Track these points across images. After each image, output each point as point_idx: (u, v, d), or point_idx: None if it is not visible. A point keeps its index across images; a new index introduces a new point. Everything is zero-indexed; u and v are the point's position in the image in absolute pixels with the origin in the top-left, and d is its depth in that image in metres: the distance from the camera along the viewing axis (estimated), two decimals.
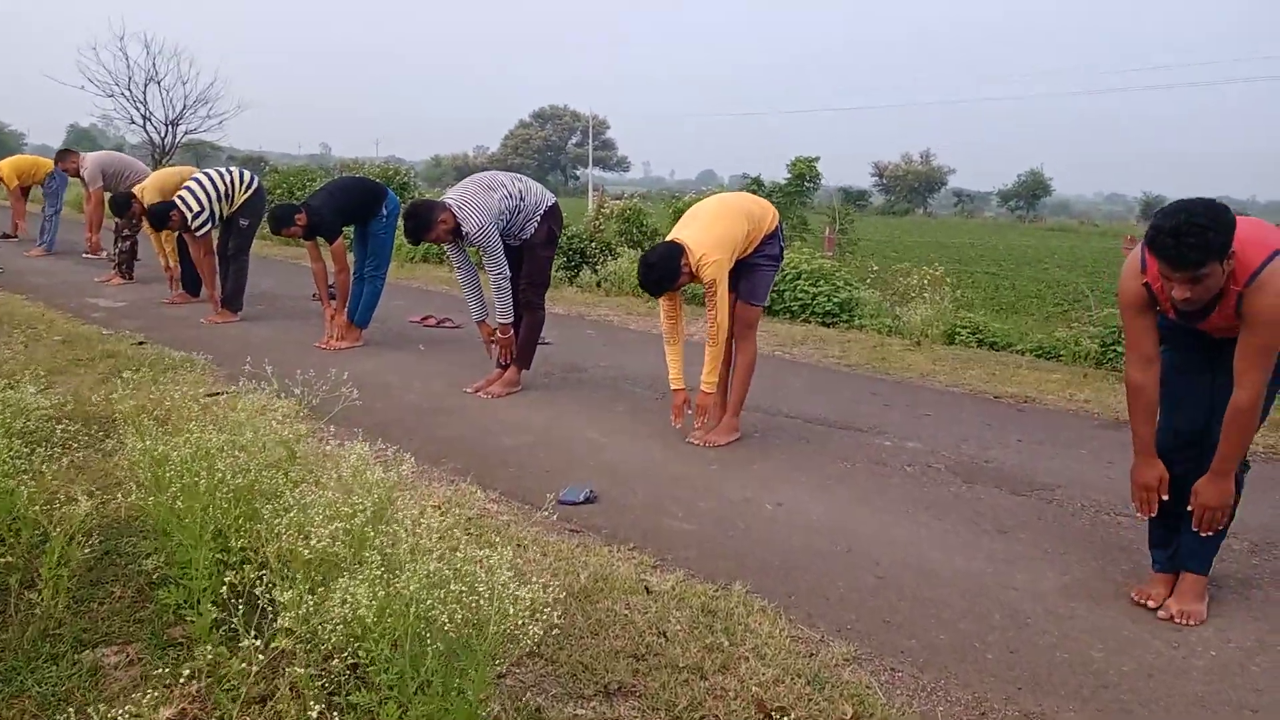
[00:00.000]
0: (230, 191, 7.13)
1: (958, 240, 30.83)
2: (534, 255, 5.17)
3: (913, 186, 73.81)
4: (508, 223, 5.09)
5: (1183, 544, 2.87)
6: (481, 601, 1.81)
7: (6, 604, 2.46)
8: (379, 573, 1.80)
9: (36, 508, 2.44)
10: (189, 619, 2.32)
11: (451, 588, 1.80)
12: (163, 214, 6.93)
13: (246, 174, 7.40)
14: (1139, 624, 2.79)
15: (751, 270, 4.34)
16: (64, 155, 10.00)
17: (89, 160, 9.57)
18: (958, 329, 8.03)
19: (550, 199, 5.26)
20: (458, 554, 1.99)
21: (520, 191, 5.11)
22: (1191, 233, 2.36)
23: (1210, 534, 2.78)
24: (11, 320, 6.35)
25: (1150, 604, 2.86)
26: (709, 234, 4.15)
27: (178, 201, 6.92)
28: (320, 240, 6.36)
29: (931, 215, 66.66)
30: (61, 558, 2.43)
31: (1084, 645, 2.65)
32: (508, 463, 4.05)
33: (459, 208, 4.91)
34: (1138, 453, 2.84)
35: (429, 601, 1.77)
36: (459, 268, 5.27)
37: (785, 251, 4.54)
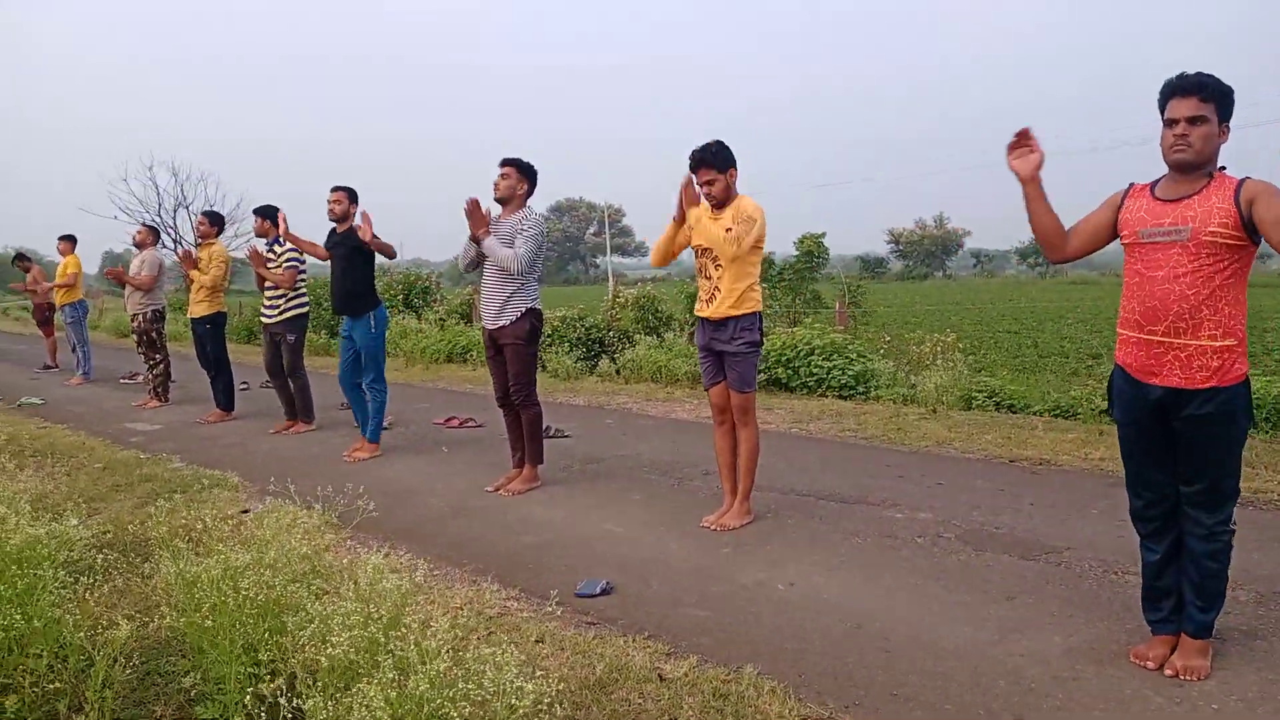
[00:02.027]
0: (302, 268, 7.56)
1: (979, 301, 30.89)
2: (519, 352, 5.34)
3: (930, 250, 74.27)
4: (514, 279, 5.30)
5: (1185, 612, 2.95)
6: (488, 697, 1.94)
7: None
8: (391, 675, 1.94)
9: (81, 634, 2.61)
10: None
11: (459, 686, 1.94)
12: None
13: (303, 287, 7.67)
14: (1142, 682, 2.85)
15: (736, 359, 4.47)
16: (152, 231, 9.89)
17: (155, 255, 9.53)
18: (974, 393, 8.11)
19: (538, 301, 5.45)
20: (468, 654, 2.13)
21: (540, 260, 5.40)
22: (1203, 74, 2.78)
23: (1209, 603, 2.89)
24: (54, 450, 6.63)
25: (1150, 665, 2.92)
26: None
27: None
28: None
29: (951, 278, 66.80)
30: (105, 680, 2.59)
31: (1087, 706, 2.72)
32: (527, 561, 4.19)
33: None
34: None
35: (438, 701, 1.91)
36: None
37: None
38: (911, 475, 5.56)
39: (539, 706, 1.93)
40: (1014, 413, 7.67)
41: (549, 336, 11.51)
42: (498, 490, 5.38)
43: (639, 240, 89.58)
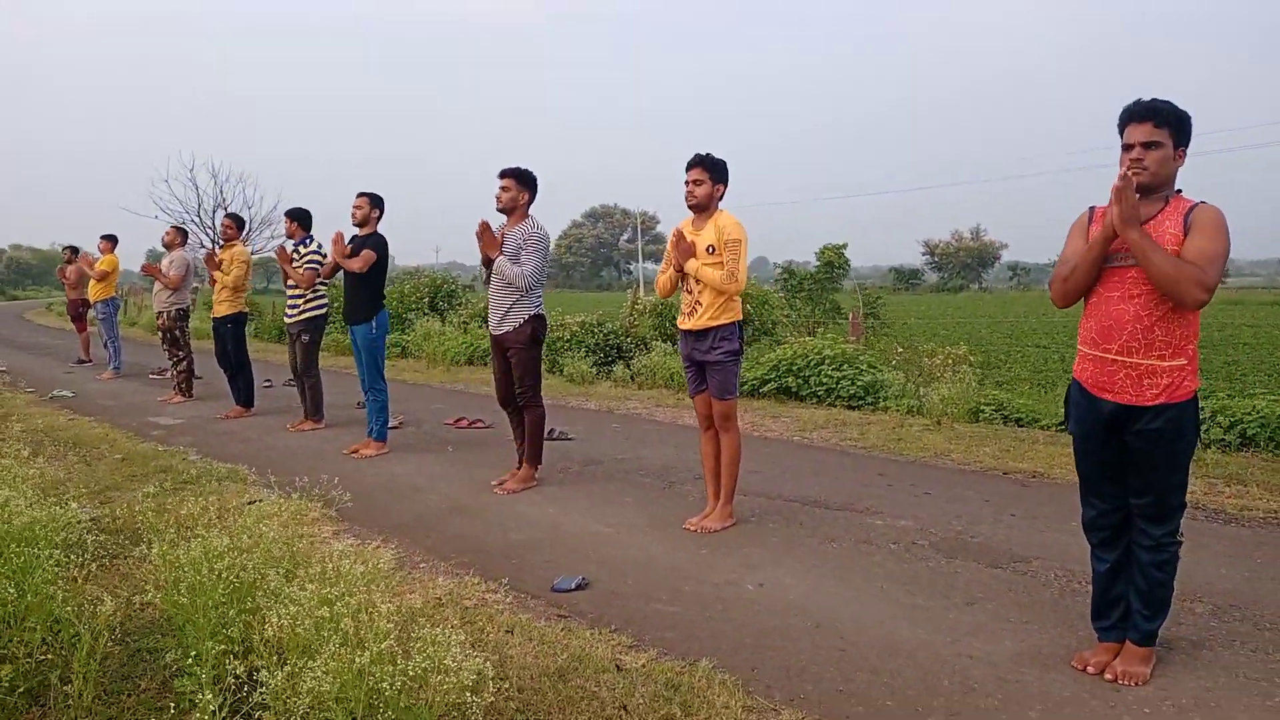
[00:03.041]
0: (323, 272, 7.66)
1: (1012, 314, 30.65)
2: (522, 357, 5.51)
3: (965, 263, 73.71)
4: (522, 286, 5.42)
5: (1131, 620, 3.03)
6: (425, 671, 2.09)
7: (47, 698, 2.80)
8: (336, 650, 2.10)
9: (70, 608, 2.80)
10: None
11: (399, 663, 2.09)
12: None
13: (323, 289, 7.89)
14: (1081, 686, 2.94)
15: (716, 368, 4.59)
16: (180, 232, 10.18)
17: (183, 256, 9.88)
18: (981, 406, 8.15)
19: (541, 308, 5.60)
20: (417, 634, 2.28)
21: (543, 274, 5.53)
22: (1158, 100, 2.89)
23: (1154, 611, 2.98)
24: (78, 441, 6.91)
25: (1089, 670, 3.01)
26: None
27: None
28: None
29: (987, 290, 66.26)
30: (90, 653, 2.77)
31: (1023, 706, 2.81)
32: (512, 557, 4.34)
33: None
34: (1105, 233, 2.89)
35: (378, 674, 2.07)
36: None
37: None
38: (902, 485, 5.64)
39: (465, 680, 2.08)
40: (1021, 426, 7.71)
41: (566, 341, 11.69)
42: (500, 485, 5.54)
43: None
